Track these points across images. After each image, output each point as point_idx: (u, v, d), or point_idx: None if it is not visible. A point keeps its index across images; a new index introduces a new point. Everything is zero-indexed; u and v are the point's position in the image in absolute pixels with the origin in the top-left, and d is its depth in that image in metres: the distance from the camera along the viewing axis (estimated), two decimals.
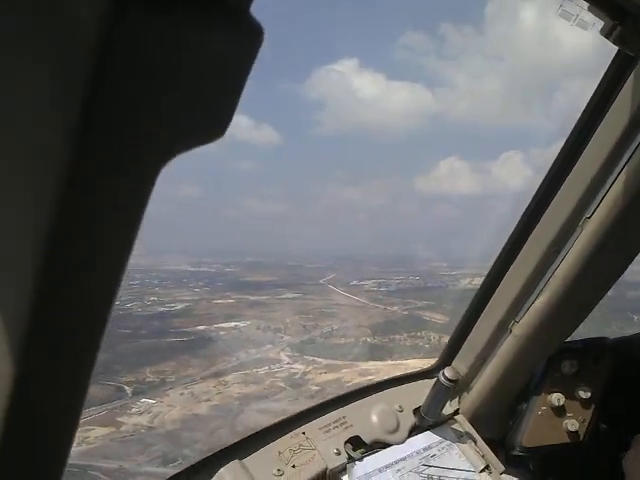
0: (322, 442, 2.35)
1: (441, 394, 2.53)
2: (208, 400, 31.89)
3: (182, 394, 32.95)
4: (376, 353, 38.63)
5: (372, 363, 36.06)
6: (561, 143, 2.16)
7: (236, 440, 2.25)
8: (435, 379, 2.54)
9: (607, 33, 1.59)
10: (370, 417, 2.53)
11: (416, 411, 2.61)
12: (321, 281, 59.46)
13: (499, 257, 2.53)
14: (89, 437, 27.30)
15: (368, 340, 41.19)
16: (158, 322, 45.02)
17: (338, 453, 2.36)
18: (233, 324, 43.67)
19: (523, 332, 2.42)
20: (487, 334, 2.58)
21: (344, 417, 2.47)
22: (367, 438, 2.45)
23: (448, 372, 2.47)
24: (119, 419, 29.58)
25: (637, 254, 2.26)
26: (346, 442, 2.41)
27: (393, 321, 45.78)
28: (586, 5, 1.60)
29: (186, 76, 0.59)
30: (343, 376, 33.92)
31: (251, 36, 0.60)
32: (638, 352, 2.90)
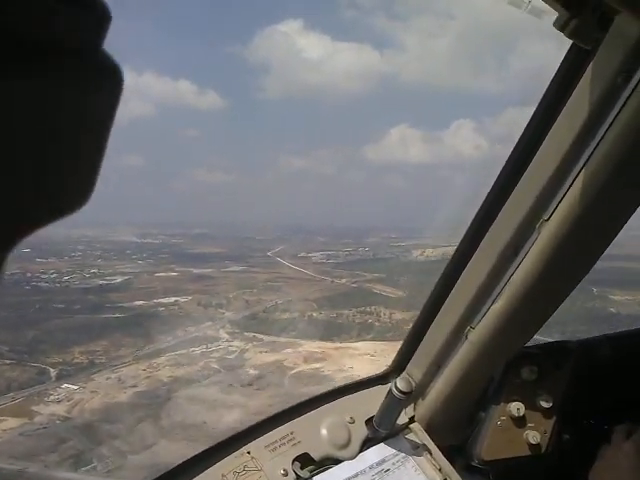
0: (268, 462, 2.21)
1: (394, 405, 2.32)
2: (134, 386, 28.54)
3: (108, 378, 29.71)
4: (323, 330, 35.96)
5: (318, 344, 33.23)
6: (513, 134, 2.01)
7: (178, 462, 2.11)
8: (388, 386, 2.33)
9: (561, 26, 1.46)
10: (319, 431, 2.34)
11: (369, 422, 2.40)
12: (269, 253, 57.96)
13: (452, 259, 2.31)
14: None
15: (314, 315, 39.00)
16: (95, 296, 42.55)
17: (285, 474, 2.19)
18: (173, 299, 41.23)
19: (479, 338, 2.24)
20: (441, 339, 2.36)
21: (292, 433, 2.29)
22: (316, 455, 2.28)
23: (400, 383, 2.25)
24: (34, 408, 26.01)
25: (598, 258, 2.08)
26: (294, 460, 2.22)
27: (341, 295, 43.86)
28: None
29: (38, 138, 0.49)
30: (285, 358, 31.17)
31: (109, 79, 0.52)
32: (601, 355, 2.69)
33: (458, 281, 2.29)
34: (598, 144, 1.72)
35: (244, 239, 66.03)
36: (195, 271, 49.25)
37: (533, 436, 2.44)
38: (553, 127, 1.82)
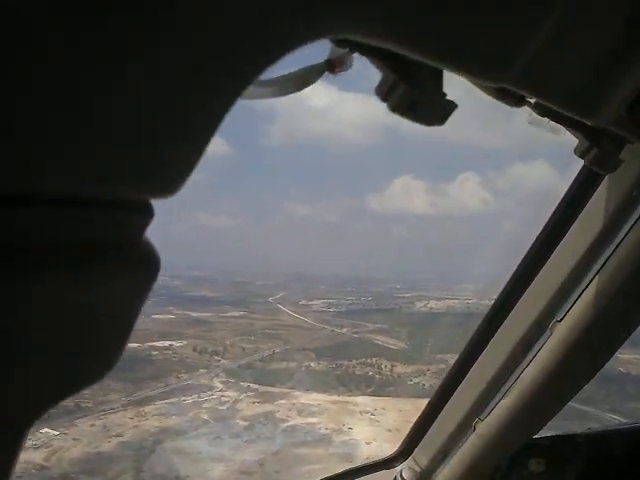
0: None
1: None
2: (119, 435, 26.47)
3: (93, 425, 27.62)
4: (321, 382, 34.13)
5: (315, 396, 31.30)
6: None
7: None
8: (393, 472, 2.46)
9: (582, 153, 1.40)
10: None
11: None
12: (269, 299, 55.72)
13: (464, 350, 2.38)
14: None
15: (312, 365, 37.04)
16: None
17: None
18: (168, 343, 39.22)
19: (487, 431, 2.30)
20: (450, 428, 2.43)
21: None
22: None
23: (406, 473, 2.40)
24: None
25: (608, 360, 2.09)
26: None
27: (342, 345, 42.04)
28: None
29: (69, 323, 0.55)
30: (278, 410, 29.16)
31: (146, 269, 0.58)
32: (613, 448, 2.58)
33: (469, 373, 2.33)
34: (614, 251, 1.77)
35: (245, 284, 63.73)
36: (193, 315, 47.08)
37: None
38: (570, 229, 1.88)
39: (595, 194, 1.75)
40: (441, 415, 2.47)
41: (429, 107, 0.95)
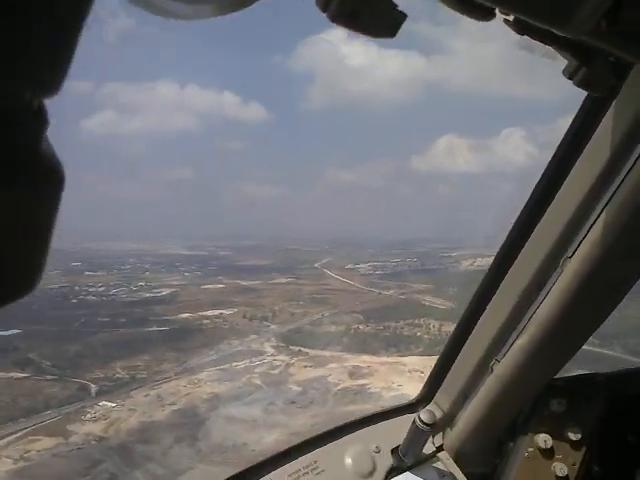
0: None
1: (418, 436, 2.35)
2: (173, 404, 26.86)
3: (147, 395, 28.06)
4: (370, 344, 33.99)
5: (364, 358, 31.25)
6: (538, 176, 2.02)
7: None
8: (415, 416, 2.36)
9: (570, 74, 1.36)
10: (343, 460, 2.36)
11: (394, 451, 2.43)
12: (316, 265, 56.34)
13: (477, 292, 2.36)
14: (31, 450, 22.52)
15: (361, 328, 37.00)
16: (140, 309, 41.35)
17: None
18: (218, 312, 39.55)
19: (505, 372, 2.27)
20: (468, 371, 2.40)
21: (315, 462, 2.32)
22: None
23: (424, 415, 2.30)
24: (70, 427, 24.50)
25: (623, 296, 2.04)
26: None
27: (389, 307, 41.91)
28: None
29: None
30: (330, 374, 29.18)
31: (49, 179, 0.56)
32: (633, 388, 2.65)
33: (483, 314, 2.31)
34: (620, 184, 1.73)
35: (291, 251, 64.64)
36: (242, 283, 47.76)
37: (560, 468, 2.42)
38: (576, 165, 1.83)
39: (600, 124, 1.70)
40: (459, 358, 2.46)
41: (374, 17, 0.88)
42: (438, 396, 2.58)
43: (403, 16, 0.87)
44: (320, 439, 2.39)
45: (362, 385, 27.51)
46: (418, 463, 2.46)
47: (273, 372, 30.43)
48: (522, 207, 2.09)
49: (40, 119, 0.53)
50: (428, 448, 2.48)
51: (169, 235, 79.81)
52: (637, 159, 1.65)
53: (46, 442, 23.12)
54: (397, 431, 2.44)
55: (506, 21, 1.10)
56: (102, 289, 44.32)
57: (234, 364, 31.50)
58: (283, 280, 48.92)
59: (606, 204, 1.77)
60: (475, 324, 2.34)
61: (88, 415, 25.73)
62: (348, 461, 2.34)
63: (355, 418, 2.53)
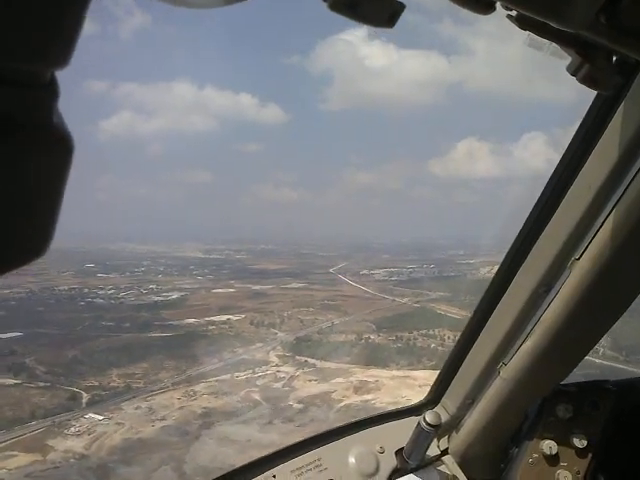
0: None
1: (423, 438, 2.36)
2: (163, 419, 24.38)
3: (138, 408, 25.71)
4: (380, 355, 31.60)
5: (373, 372, 28.81)
6: (545, 181, 2.02)
7: None
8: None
9: (573, 71, 1.35)
10: (347, 459, 2.35)
11: (399, 452, 2.43)
12: (331, 270, 54.12)
13: (485, 296, 2.36)
14: (3, 469, 20.22)
15: (372, 337, 34.66)
16: (147, 313, 39.18)
17: None
18: (225, 317, 37.52)
19: (512, 375, 2.27)
20: (475, 374, 2.41)
21: (319, 459, 2.31)
22: None
23: (429, 417, 2.30)
24: (51, 442, 22.20)
25: (633, 299, 2.05)
26: None
27: (403, 315, 39.52)
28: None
29: None
30: (334, 389, 26.70)
31: (59, 147, 0.58)
32: None
33: (491, 317, 2.30)
34: (628, 186, 1.74)
35: (307, 255, 62.56)
36: (254, 287, 45.86)
37: (565, 476, 2.39)
38: (584, 167, 1.83)
39: (609, 125, 1.71)
40: (466, 361, 2.43)
41: (372, 6, 0.90)
42: (445, 399, 2.56)
43: (402, 6, 0.88)
44: (325, 437, 2.35)
45: (367, 401, 25.05)
46: (422, 465, 2.44)
47: (275, 385, 28.05)
48: (529, 210, 2.06)
49: (51, 90, 0.55)
50: (433, 451, 2.45)
51: (186, 238, 78.24)
52: None
53: (22, 459, 20.96)
54: (402, 433, 2.41)
55: (509, 17, 1.10)
56: (112, 292, 42.56)
57: (235, 375, 29.25)
58: (296, 285, 46.85)
59: (615, 205, 1.76)
60: (483, 327, 2.32)
61: (72, 429, 23.54)
62: (352, 460, 2.32)
63: (361, 419, 2.47)
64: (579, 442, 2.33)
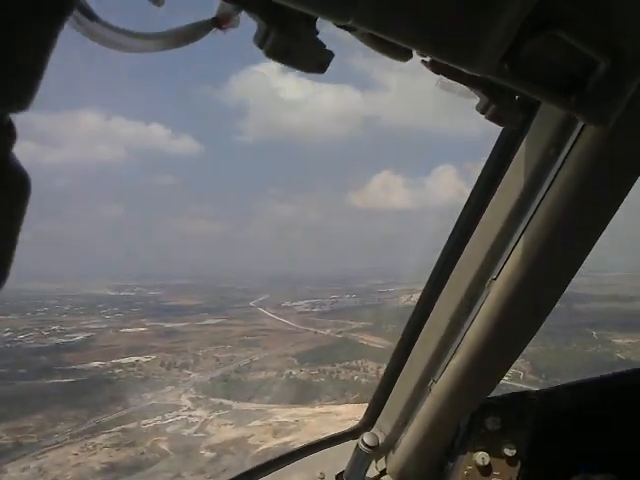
0: None
1: (362, 460, 2.32)
2: None
3: (26, 469, 22.21)
4: (301, 392, 29.51)
5: (294, 411, 26.56)
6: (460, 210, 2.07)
7: None
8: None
9: (481, 110, 1.43)
10: None
11: (339, 476, 2.40)
12: (251, 303, 52.43)
13: (411, 319, 2.32)
14: None
15: (293, 373, 32.62)
16: (47, 357, 35.78)
17: None
18: (134, 359, 34.53)
19: (442, 392, 2.22)
20: (407, 394, 2.36)
21: None
22: None
23: (367, 438, 2.28)
24: None
25: (547, 314, 2.06)
26: None
27: (325, 347, 37.86)
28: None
29: None
30: (252, 434, 24.09)
31: (17, 191, 0.61)
32: (563, 404, 2.63)
33: (419, 337, 2.29)
34: (535, 211, 1.80)
35: (226, 289, 60.62)
36: (166, 325, 42.84)
37: None
38: (496, 192, 1.88)
39: (515, 157, 1.80)
40: (398, 381, 2.40)
41: (305, 54, 1.00)
42: (380, 420, 2.53)
43: (331, 55, 0.97)
44: (264, 469, 2.33)
45: (286, 443, 22.58)
46: None
47: (186, 432, 25.15)
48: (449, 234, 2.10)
49: (9, 133, 0.57)
50: (372, 473, 2.43)
51: (96, 274, 74.29)
52: (549, 186, 1.72)
53: None
54: (341, 457, 2.40)
55: (423, 62, 1.15)
56: (8, 334, 39.45)
57: (142, 422, 26.13)
58: (212, 321, 44.51)
59: (524, 228, 1.82)
60: (413, 346, 2.28)
61: None
62: None
63: (301, 446, 2.44)
64: (509, 451, 2.35)
